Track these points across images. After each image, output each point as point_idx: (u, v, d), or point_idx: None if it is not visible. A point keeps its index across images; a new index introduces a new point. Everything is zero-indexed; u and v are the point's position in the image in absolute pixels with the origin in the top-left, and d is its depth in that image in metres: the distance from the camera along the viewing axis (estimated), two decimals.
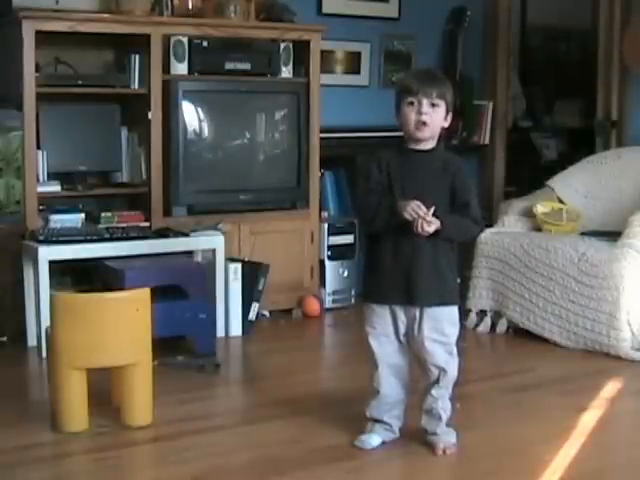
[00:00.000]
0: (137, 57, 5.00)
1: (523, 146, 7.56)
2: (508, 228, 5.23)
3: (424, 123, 3.17)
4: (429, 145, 3.25)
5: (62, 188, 4.86)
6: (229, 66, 5.20)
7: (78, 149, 4.97)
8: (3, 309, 4.68)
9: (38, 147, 4.75)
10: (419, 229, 3.11)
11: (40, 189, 4.75)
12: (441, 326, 3.26)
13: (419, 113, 3.17)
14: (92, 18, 4.83)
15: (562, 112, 8.07)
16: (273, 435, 3.52)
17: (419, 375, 3.35)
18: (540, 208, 5.22)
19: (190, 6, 5.19)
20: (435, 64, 6.31)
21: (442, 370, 3.28)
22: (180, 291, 4.49)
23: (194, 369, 4.30)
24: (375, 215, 3.22)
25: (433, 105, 3.17)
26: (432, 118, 3.18)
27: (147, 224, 4.96)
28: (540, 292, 4.87)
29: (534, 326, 4.90)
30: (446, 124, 3.24)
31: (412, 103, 3.18)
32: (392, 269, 3.23)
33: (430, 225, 3.11)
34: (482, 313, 5.14)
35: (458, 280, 3.40)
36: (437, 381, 3.29)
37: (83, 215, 4.89)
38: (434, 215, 3.12)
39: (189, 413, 3.75)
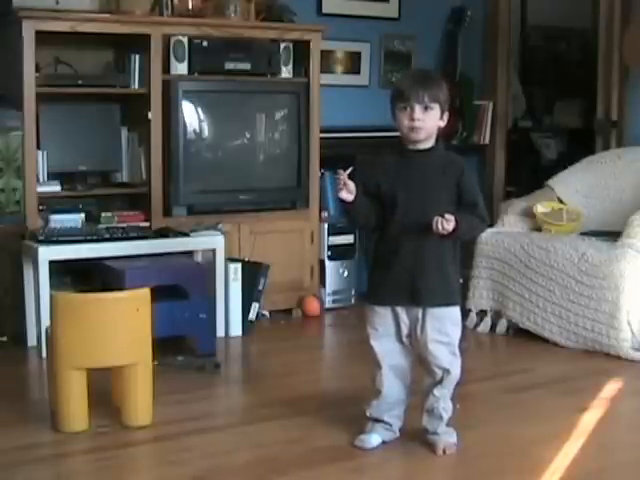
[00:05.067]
0: (137, 57, 4.99)
1: (523, 146, 7.56)
2: (508, 228, 5.22)
3: (417, 128, 3.17)
4: (428, 144, 3.25)
5: (62, 188, 4.86)
6: (229, 66, 5.19)
7: (78, 149, 4.97)
8: (3, 309, 4.68)
9: (38, 147, 4.75)
10: (439, 228, 3.10)
11: (40, 189, 4.75)
12: (444, 326, 3.26)
13: (412, 119, 3.17)
14: (92, 18, 4.82)
15: (562, 112, 8.07)
16: (273, 435, 3.51)
17: (420, 375, 3.35)
18: (540, 208, 5.21)
19: (190, 6, 5.18)
20: (435, 64, 6.32)
21: (446, 371, 3.27)
22: (180, 291, 4.49)
23: (194, 369, 4.30)
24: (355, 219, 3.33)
25: (426, 108, 3.18)
26: (425, 122, 3.18)
27: (147, 224, 4.96)
28: (540, 292, 4.87)
29: (534, 326, 4.90)
30: (442, 123, 3.24)
31: (405, 108, 3.18)
32: (395, 269, 3.23)
33: (449, 223, 3.09)
34: (482, 313, 5.14)
35: (461, 280, 3.40)
36: (440, 381, 3.29)
37: (83, 215, 4.89)
38: (448, 212, 3.10)
39: (189, 413, 3.75)
